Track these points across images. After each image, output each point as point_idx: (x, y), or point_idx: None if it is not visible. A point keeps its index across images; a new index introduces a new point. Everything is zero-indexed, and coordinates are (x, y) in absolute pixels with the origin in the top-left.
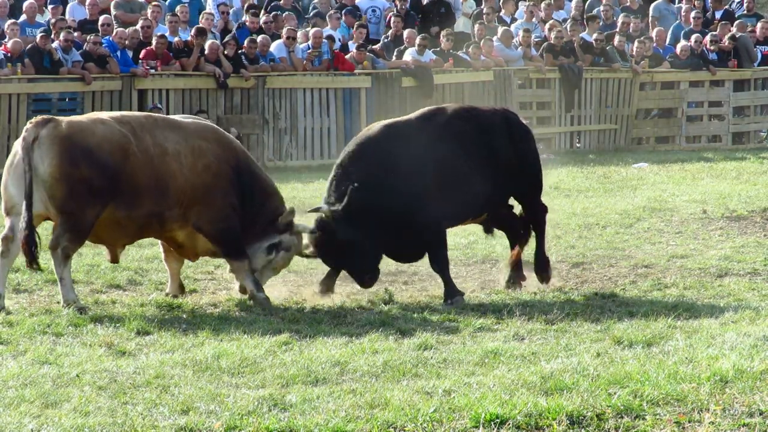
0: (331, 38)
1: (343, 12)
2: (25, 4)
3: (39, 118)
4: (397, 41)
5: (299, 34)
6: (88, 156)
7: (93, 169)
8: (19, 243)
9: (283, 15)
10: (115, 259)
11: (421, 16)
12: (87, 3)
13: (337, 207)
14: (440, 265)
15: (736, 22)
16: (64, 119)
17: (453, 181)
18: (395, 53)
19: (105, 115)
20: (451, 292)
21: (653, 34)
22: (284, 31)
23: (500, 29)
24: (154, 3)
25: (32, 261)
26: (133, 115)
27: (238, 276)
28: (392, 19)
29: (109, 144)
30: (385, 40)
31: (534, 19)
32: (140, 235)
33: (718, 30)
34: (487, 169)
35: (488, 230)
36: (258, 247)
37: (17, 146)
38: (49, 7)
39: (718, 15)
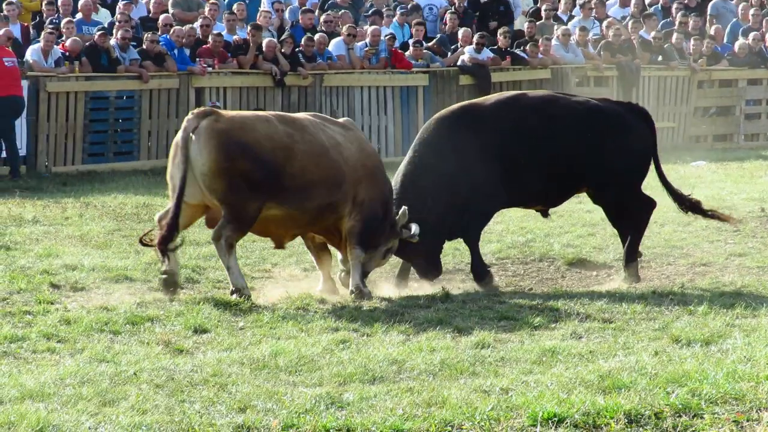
0: (391, 36)
1: (397, 10)
2: (80, 3)
3: (200, 109)
4: (453, 39)
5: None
6: (245, 151)
7: (251, 164)
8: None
9: (340, 13)
10: (280, 246)
11: (479, 13)
12: (152, 1)
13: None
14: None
15: None
16: (225, 113)
17: (508, 169)
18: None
19: (271, 114)
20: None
21: (711, 31)
22: (344, 28)
23: (558, 29)
24: (212, 1)
25: (165, 243)
26: (302, 115)
27: (351, 264)
28: (448, 16)
29: (270, 142)
30: (441, 37)
31: (591, 17)
32: (312, 227)
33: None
34: (547, 161)
35: (545, 215)
36: (378, 250)
37: (178, 137)
38: (120, 3)
39: None
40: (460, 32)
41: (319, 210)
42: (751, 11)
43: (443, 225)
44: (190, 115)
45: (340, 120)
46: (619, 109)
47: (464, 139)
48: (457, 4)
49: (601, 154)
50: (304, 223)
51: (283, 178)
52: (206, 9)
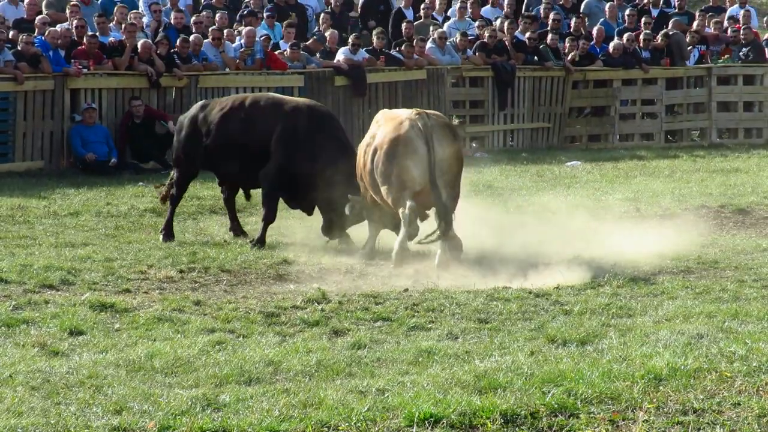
0: (266, 37)
1: (265, 10)
2: None
3: (420, 111)
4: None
5: (226, 32)
6: (459, 140)
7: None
8: None
9: (218, 15)
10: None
11: (358, 14)
12: (26, 2)
13: None
14: None
15: (672, 20)
16: (430, 113)
17: None
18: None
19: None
20: None
21: (594, 32)
22: (209, 31)
23: (434, 31)
24: (73, 3)
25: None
26: None
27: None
28: (322, 16)
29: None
30: (315, 38)
31: (466, 17)
32: None
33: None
34: None
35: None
36: None
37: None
38: None
39: (654, 13)
40: (328, 34)
41: None
42: (627, 11)
43: None
44: (414, 116)
45: None
46: None
47: None
48: (333, 4)
49: None
50: None
51: None
52: (67, 11)
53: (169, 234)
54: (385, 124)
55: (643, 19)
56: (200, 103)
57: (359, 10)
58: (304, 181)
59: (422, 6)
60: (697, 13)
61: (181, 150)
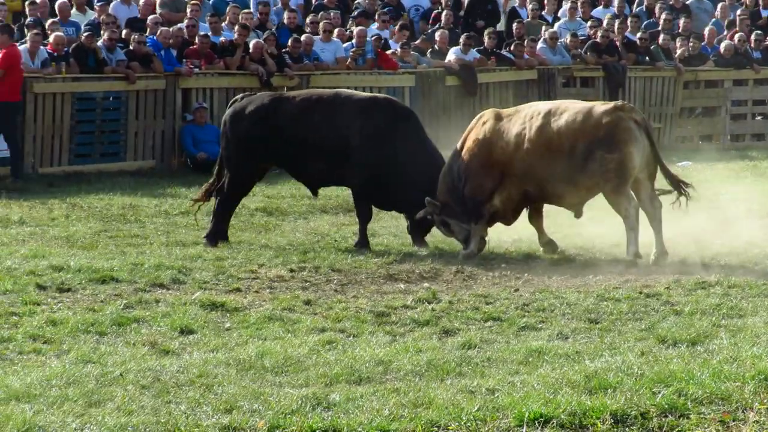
0: (377, 37)
1: (385, 10)
2: (57, 3)
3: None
4: (442, 38)
5: (336, 32)
6: None
7: None
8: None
9: (331, 14)
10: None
11: (464, 13)
12: (141, 2)
13: None
14: None
15: None
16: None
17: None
18: (429, 53)
19: None
20: None
21: (705, 32)
22: (321, 24)
23: (545, 31)
24: (193, 2)
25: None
26: None
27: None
28: (444, 13)
29: None
30: (425, 37)
31: (577, 18)
32: None
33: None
34: None
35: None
36: None
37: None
38: (96, 5)
39: (764, 13)
40: (437, 35)
41: None
42: (738, 12)
43: None
44: (625, 107)
45: None
46: None
47: None
48: (443, 3)
49: None
50: None
51: None
52: (188, 10)
53: (214, 240)
54: (576, 113)
55: (737, 17)
56: (264, 93)
57: (465, 9)
58: (388, 180)
59: (531, 7)
60: None
61: (242, 147)
